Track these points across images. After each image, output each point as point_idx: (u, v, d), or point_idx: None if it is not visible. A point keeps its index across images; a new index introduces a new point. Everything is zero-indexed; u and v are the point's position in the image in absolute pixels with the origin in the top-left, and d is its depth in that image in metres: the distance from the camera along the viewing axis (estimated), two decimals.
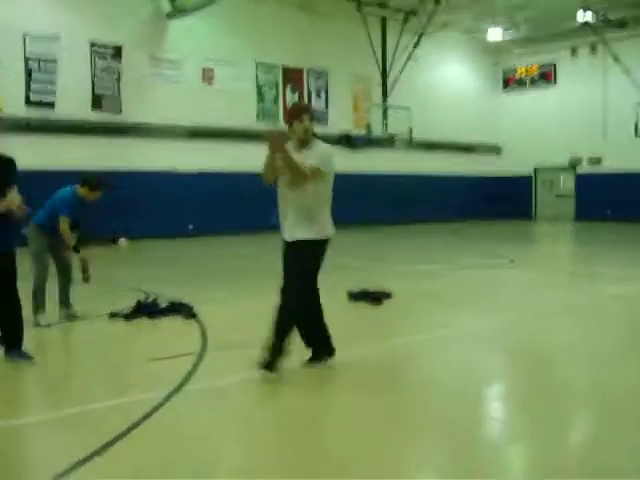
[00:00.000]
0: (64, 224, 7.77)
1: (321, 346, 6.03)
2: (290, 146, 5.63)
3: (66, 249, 7.95)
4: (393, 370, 6.18)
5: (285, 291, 5.84)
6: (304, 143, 5.72)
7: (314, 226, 5.75)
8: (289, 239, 5.85)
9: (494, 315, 8.55)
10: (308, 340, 6.02)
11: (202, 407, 5.06)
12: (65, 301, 8.32)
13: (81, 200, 8.10)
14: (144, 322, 8.14)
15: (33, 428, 4.73)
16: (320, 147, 5.74)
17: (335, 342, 6.00)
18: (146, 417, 4.67)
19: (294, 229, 5.81)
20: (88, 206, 8.24)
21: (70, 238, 7.80)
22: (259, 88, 24.36)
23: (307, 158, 5.58)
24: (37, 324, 7.75)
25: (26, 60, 19.25)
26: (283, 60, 24.80)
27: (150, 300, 8.74)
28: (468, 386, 5.62)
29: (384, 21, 26.11)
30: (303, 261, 5.80)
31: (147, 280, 11.61)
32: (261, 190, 23.08)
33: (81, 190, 8.10)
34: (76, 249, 8.04)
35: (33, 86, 19.36)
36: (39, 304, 7.89)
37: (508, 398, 5.52)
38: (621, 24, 26.89)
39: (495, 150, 32.77)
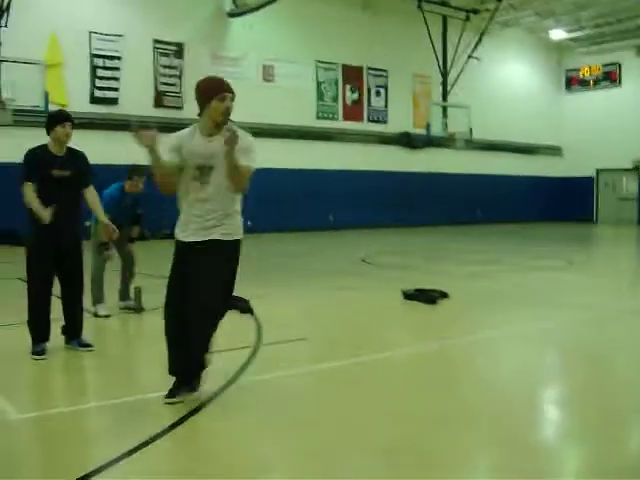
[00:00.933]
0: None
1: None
2: (194, 130, 4.84)
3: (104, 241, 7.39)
4: (446, 370, 6.17)
5: (207, 307, 4.80)
6: (218, 127, 4.76)
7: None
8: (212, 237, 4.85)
9: (550, 317, 8.44)
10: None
11: (255, 399, 5.12)
12: (125, 293, 8.53)
13: (122, 194, 8.28)
14: None
15: (92, 413, 4.88)
16: (242, 133, 4.71)
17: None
18: (201, 407, 4.75)
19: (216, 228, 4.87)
20: (134, 199, 8.46)
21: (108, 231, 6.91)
22: (319, 86, 24.43)
23: (220, 147, 4.63)
24: (96, 314, 7.94)
25: (91, 57, 19.69)
26: (343, 58, 24.85)
27: None
28: (522, 387, 5.58)
29: (445, 19, 25.91)
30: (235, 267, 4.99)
31: None
32: (319, 187, 23.08)
33: (126, 184, 8.36)
34: (129, 240, 8.45)
35: (98, 83, 19.79)
36: (99, 295, 8.10)
37: (562, 400, 5.45)
38: None
39: (557, 151, 32.29)
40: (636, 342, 7.30)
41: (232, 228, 4.92)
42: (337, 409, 4.90)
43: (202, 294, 4.74)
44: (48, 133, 6.34)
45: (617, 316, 8.64)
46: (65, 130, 6.32)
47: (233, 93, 4.80)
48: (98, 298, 8.14)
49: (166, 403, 4.79)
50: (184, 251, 4.87)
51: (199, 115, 4.86)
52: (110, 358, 6.59)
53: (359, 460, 4.01)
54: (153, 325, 7.76)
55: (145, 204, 8.68)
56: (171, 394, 4.83)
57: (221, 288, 4.85)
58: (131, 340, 7.82)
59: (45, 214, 5.99)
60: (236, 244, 4.97)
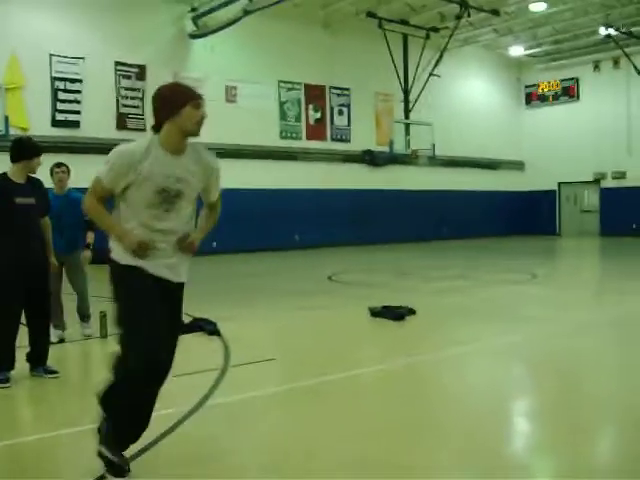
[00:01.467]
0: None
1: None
2: (149, 145, 3.92)
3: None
4: (415, 386, 6.18)
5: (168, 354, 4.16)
6: (185, 145, 4.01)
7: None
8: (180, 279, 4.20)
9: (517, 331, 8.51)
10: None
11: (224, 421, 5.09)
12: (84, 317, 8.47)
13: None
14: None
15: (55, 441, 4.79)
16: (209, 157, 4.13)
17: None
18: (169, 431, 4.70)
19: (183, 265, 4.22)
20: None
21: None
22: (282, 106, 24.50)
23: (194, 170, 4.01)
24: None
25: (52, 80, 19.55)
26: (305, 78, 24.94)
27: None
28: (492, 401, 5.61)
29: (405, 38, 26.17)
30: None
31: None
32: (283, 208, 23.15)
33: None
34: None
35: (59, 106, 19.65)
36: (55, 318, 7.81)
37: (532, 413, 5.49)
38: None
39: (519, 166, 32.67)
40: (601, 354, 7.38)
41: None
42: (307, 428, 4.89)
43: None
44: (16, 161, 6.25)
45: (582, 328, 8.74)
46: (39, 162, 6.32)
47: (203, 98, 4.05)
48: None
49: None
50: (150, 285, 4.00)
51: (156, 128, 3.98)
52: (74, 385, 6.50)
53: (334, 476, 3.99)
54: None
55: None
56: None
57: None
58: (96, 365, 7.70)
59: None
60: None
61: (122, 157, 3.88)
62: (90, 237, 8.05)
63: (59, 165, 8.15)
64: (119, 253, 3.98)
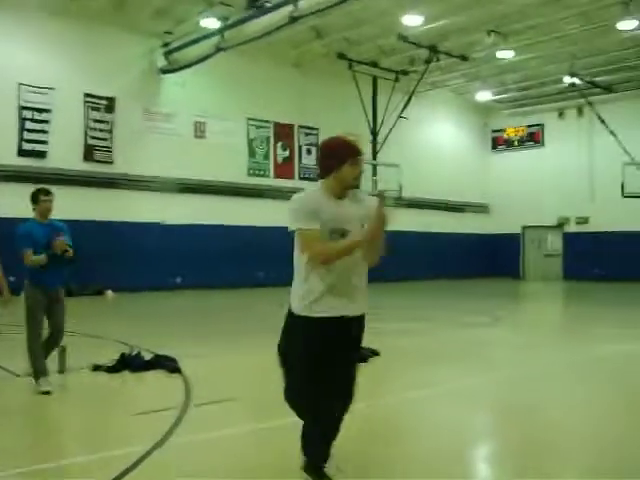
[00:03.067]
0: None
1: None
2: (319, 192, 4.37)
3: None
4: (377, 429, 6.13)
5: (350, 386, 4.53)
6: (347, 191, 4.39)
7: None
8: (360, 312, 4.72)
9: (480, 374, 8.52)
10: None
11: (185, 460, 5.00)
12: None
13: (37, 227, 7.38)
14: (127, 375, 8.07)
15: None
16: (368, 200, 4.44)
17: None
18: (127, 471, 4.61)
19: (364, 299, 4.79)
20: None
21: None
22: (250, 143, 24.57)
23: (354, 211, 4.36)
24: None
25: (20, 109, 19.42)
26: (274, 116, 25.09)
27: (134, 353, 8.68)
28: (453, 445, 5.58)
29: (375, 80, 26.49)
30: None
31: (132, 333, 11.54)
32: (249, 244, 23.09)
33: (35, 211, 7.44)
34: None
35: (26, 135, 19.50)
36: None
37: (493, 457, 5.47)
38: (607, 87, 27.45)
39: (484, 209, 33.02)
40: (564, 397, 7.41)
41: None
42: (268, 470, 4.81)
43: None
44: None
45: (543, 372, 8.78)
46: None
47: (363, 154, 4.42)
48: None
49: None
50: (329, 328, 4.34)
51: (321, 176, 4.40)
52: (30, 421, 6.36)
53: None
54: (78, 386, 7.54)
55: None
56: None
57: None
58: (52, 402, 7.54)
59: None
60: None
61: (308, 203, 4.32)
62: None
63: (47, 193, 7.41)
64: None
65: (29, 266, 7.10)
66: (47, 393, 6.99)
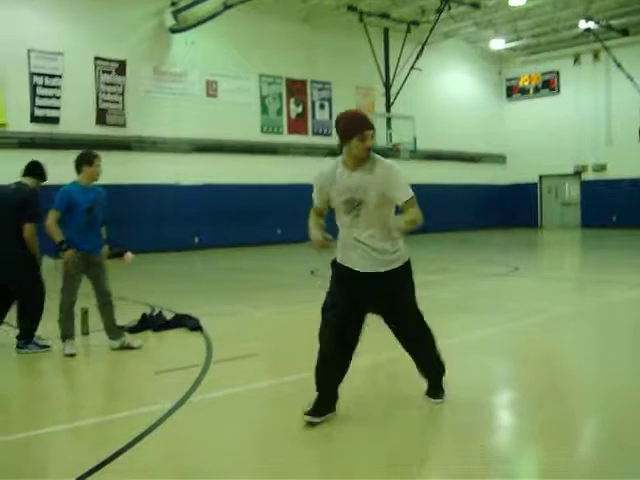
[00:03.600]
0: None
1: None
2: (336, 164, 4.77)
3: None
4: (400, 380, 6.17)
5: (423, 334, 5.43)
6: (361, 162, 4.70)
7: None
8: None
9: (501, 323, 8.54)
10: None
11: (207, 418, 5.07)
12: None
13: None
14: (150, 335, 8.16)
15: (46, 439, 4.77)
16: (386, 166, 4.74)
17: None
18: (152, 429, 4.68)
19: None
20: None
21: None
22: (263, 100, 24.44)
23: (368, 180, 4.65)
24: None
25: (31, 76, 19.37)
26: (286, 72, 24.89)
27: (155, 313, 8.77)
28: (476, 394, 5.61)
29: (386, 32, 26.18)
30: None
31: (153, 293, 11.65)
32: (264, 201, 23.02)
33: (82, 174, 7.54)
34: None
35: (38, 101, 19.48)
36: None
37: (515, 405, 5.51)
38: (623, 30, 26.96)
39: (500, 159, 32.77)
40: (582, 344, 7.43)
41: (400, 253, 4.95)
42: (291, 423, 4.87)
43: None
44: None
45: (563, 320, 8.79)
46: None
47: (374, 129, 4.70)
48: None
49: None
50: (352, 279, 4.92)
51: (339, 148, 4.76)
52: (60, 382, 6.46)
53: (317, 473, 3.99)
54: (101, 347, 7.63)
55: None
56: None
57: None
58: (79, 363, 7.65)
59: None
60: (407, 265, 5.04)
61: (318, 180, 4.84)
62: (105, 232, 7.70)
63: (98, 156, 7.63)
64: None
65: (48, 227, 7.12)
66: (71, 356, 7.12)
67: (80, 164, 7.45)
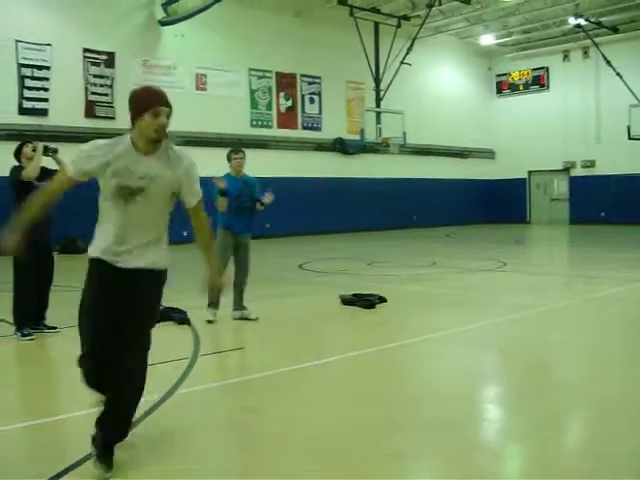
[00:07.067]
0: None
1: None
2: (127, 143, 4.01)
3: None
4: (385, 373, 6.18)
5: (141, 351, 4.23)
6: (154, 145, 4.01)
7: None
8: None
9: (487, 318, 8.57)
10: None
11: (194, 410, 5.06)
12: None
13: None
14: None
15: (31, 431, 4.77)
16: (183, 160, 4.22)
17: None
18: (139, 420, 4.67)
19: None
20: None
21: None
22: (252, 94, 24.38)
23: (159, 169, 4.02)
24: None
25: (19, 67, 19.25)
26: (276, 66, 24.84)
27: None
28: (462, 388, 5.63)
29: (377, 26, 26.14)
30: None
31: None
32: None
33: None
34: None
35: (26, 93, 19.36)
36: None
37: (502, 400, 5.52)
38: (613, 27, 27.05)
39: (489, 154, 32.86)
40: (569, 339, 7.45)
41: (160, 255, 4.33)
42: (277, 416, 4.87)
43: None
44: None
45: (550, 314, 8.83)
46: None
47: (170, 107, 3.99)
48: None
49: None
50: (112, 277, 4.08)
51: (131, 127, 4.05)
52: (41, 377, 6.43)
53: (304, 466, 3.99)
54: None
55: None
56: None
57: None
58: (65, 355, 7.60)
59: None
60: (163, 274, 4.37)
61: (100, 148, 4.00)
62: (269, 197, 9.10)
63: (237, 152, 8.71)
64: None
65: (220, 212, 8.41)
66: (210, 322, 8.24)
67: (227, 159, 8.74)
